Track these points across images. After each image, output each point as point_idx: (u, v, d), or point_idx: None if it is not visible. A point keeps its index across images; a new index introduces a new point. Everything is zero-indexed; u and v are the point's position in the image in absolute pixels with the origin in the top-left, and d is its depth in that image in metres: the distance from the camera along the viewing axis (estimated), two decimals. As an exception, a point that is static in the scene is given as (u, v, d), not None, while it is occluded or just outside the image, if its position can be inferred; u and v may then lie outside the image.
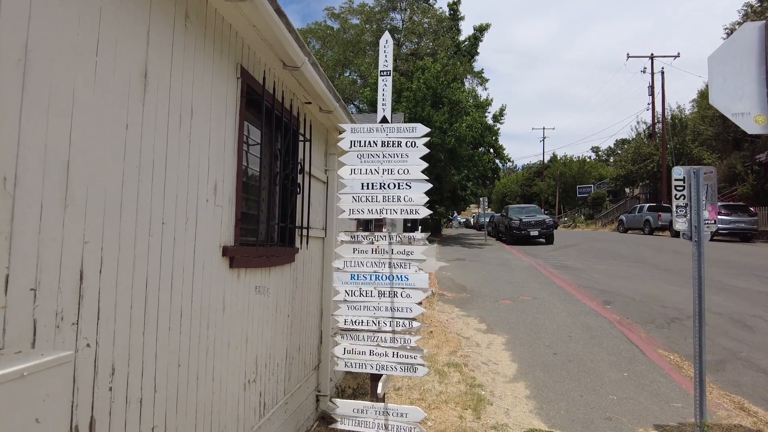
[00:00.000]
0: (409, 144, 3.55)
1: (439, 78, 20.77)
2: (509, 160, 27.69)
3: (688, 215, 3.98)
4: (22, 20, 1.37)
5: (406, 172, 3.52)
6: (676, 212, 4.02)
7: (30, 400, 1.16)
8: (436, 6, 28.04)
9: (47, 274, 1.44)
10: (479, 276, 12.72)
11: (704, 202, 3.96)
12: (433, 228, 29.71)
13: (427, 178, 3.52)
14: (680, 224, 4.02)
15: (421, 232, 3.45)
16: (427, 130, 3.56)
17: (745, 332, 7.06)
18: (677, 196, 4.04)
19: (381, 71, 3.65)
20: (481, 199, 28.43)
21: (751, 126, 3.66)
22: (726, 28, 30.36)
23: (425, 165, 3.52)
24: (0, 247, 1.29)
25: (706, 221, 3.95)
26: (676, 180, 4.07)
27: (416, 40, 27.78)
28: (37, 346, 1.41)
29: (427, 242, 3.53)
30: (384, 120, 3.63)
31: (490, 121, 24.65)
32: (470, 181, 26.03)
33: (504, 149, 25.98)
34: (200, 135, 2.37)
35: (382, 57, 3.67)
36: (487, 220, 30.92)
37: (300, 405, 4.03)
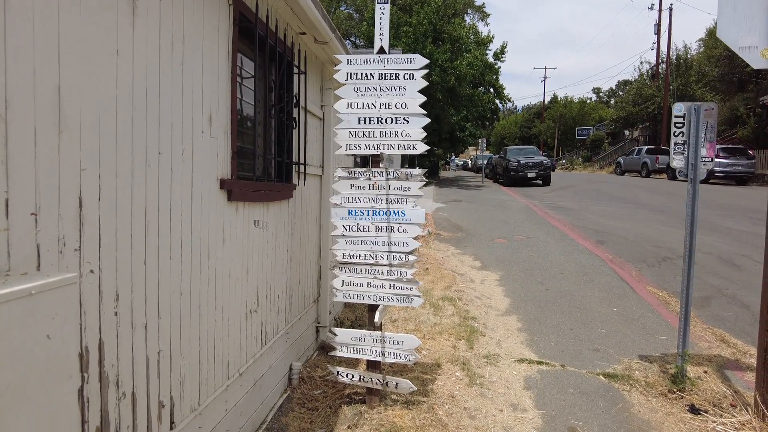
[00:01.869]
0: (407, 76, 3.47)
1: (440, 12, 19.95)
2: (509, 100, 27.20)
3: (686, 152, 3.97)
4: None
5: (403, 105, 3.47)
6: (674, 149, 4.01)
7: (39, 317, 1.20)
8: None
9: (47, 200, 1.45)
10: (475, 216, 12.84)
11: (703, 140, 3.94)
12: (430, 170, 29.62)
13: (425, 112, 3.47)
14: (677, 161, 4.01)
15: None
16: (426, 61, 3.46)
17: (732, 271, 7.24)
18: (676, 134, 4.01)
19: (379, -1, 3.50)
20: (479, 140, 28.16)
21: (757, 60, 3.57)
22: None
23: (423, 99, 3.45)
24: (-3, 171, 1.29)
25: (704, 159, 3.95)
26: (676, 117, 4.02)
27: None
28: (43, 270, 1.44)
29: (424, 178, 3.53)
30: (381, 51, 3.52)
31: (490, 59, 23.96)
32: (469, 121, 25.69)
33: (504, 89, 25.46)
34: (193, 64, 2.31)
35: (380, -17, 3.50)
36: (485, 162, 30.79)
37: (300, 335, 4.19)
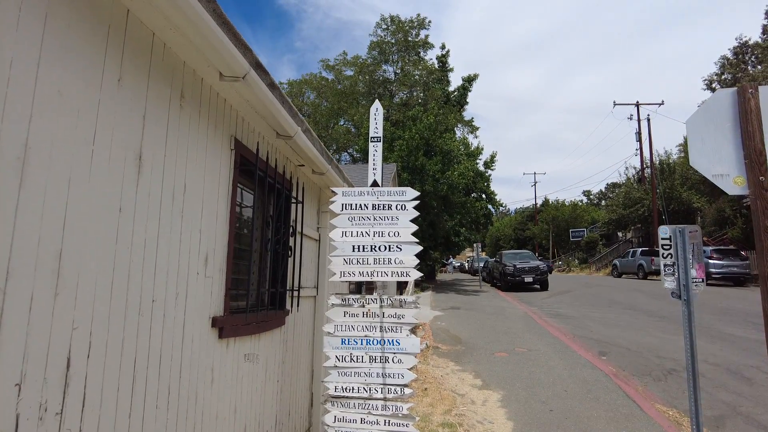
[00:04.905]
0: (399, 207, 3.61)
1: (431, 128, 21.28)
2: (501, 205, 28.00)
3: (677, 274, 4.02)
4: (23, 120, 1.43)
5: (396, 234, 3.57)
6: (665, 271, 4.07)
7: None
8: (427, 58, 29.11)
9: (33, 366, 1.44)
10: (474, 326, 12.59)
11: (691, 261, 4.02)
12: (427, 274, 29.59)
13: (417, 240, 3.57)
14: (669, 283, 4.06)
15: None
16: (417, 193, 3.63)
17: (743, 385, 6.97)
18: (664, 255, 4.10)
19: (371, 137, 3.76)
20: (474, 245, 28.51)
21: (731, 187, 3.77)
22: (705, 80, 31.59)
23: (415, 227, 3.57)
24: (-12, 344, 1.30)
25: (694, 280, 4.00)
26: (662, 239, 4.14)
27: (407, 90, 28.65)
28: (19, 445, 1.39)
29: (418, 306, 3.53)
30: (375, 184, 3.71)
31: (481, 168, 25.08)
32: (463, 226, 26.18)
33: (496, 195, 26.33)
34: (192, 209, 2.42)
35: (373, 124, 3.79)
36: (482, 265, 30.87)
37: (290, 473, 3.91)
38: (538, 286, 22.21)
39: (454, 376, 7.83)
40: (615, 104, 36.72)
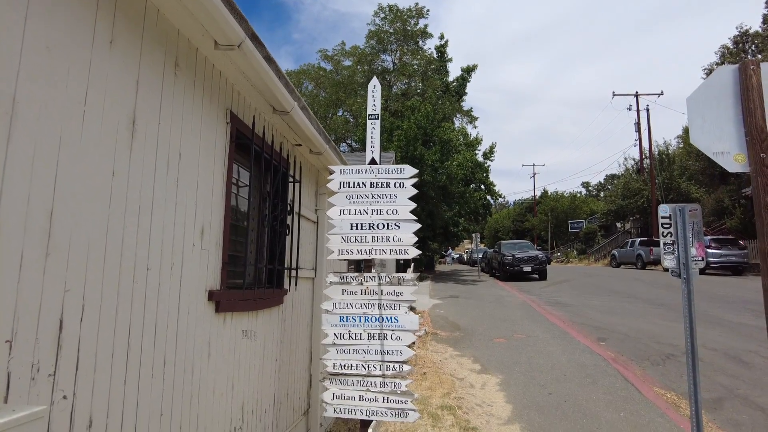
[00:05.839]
0: (397, 185, 3.59)
1: (430, 117, 21.19)
2: (500, 196, 27.95)
3: (676, 252, 4.00)
4: (10, 73, 1.39)
5: (394, 212, 3.55)
6: (664, 250, 4.05)
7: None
8: (425, 48, 28.91)
9: (25, 325, 1.42)
10: (473, 314, 12.60)
11: (691, 239, 3.99)
12: (426, 264, 29.61)
13: (415, 218, 3.54)
14: (668, 261, 4.04)
15: (415, 268, 3.46)
16: (415, 171, 3.61)
17: (741, 368, 6.98)
18: (664, 234, 4.08)
19: (369, 115, 3.73)
20: (473, 235, 28.51)
21: (731, 164, 3.74)
22: (705, 69, 31.42)
23: (413, 205, 3.55)
24: (-23, 299, 1.28)
25: (694, 258, 3.98)
26: (662, 218, 4.11)
27: (406, 80, 28.50)
28: (10, 400, 1.37)
29: (416, 283, 3.51)
30: (373, 161, 3.68)
31: (480, 159, 25.01)
32: (462, 217, 26.16)
33: (495, 186, 26.27)
34: (188, 180, 2.39)
35: (371, 101, 3.75)
36: (480, 255, 30.90)
37: (289, 453, 3.91)
38: (537, 276, 22.23)
39: (453, 361, 7.83)
40: (614, 94, 36.62)
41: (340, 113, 29.65)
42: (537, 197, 57.96)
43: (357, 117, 26.03)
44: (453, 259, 58.32)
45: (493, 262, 26.45)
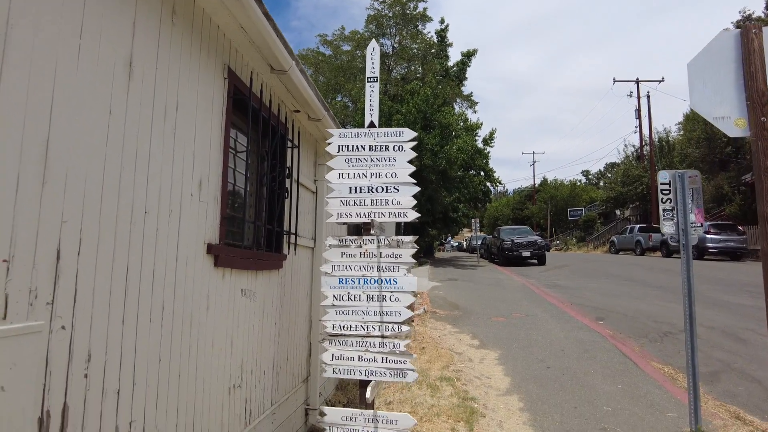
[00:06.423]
0: (396, 148, 3.57)
1: (429, 101, 21.07)
2: (500, 183, 27.87)
3: (675, 218, 4.00)
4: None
5: (393, 175, 3.53)
6: (663, 216, 4.05)
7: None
8: (425, 31, 28.65)
9: (22, 249, 1.41)
10: (472, 295, 12.65)
11: (690, 205, 3.99)
12: (425, 250, 29.64)
13: (414, 181, 3.53)
14: (667, 227, 4.04)
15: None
16: (414, 134, 3.58)
17: (738, 344, 7.03)
18: (663, 200, 4.07)
19: (368, 77, 3.69)
20: (473, 220, 28.52)
21: (731, 129, 3.73)
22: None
23: (413, 168, 3.53)
24: (-27, 217, 1.27)
25: (693, 224, 3.98)
26: (661, 184, 4.11)
27: (406, 64, 28.30)
28: (8, 321, 1.37)
29: (415, 245, 3.51)
30: (372, 125, 3.65)
31: (480, 145, 24.91)
32: (462, 203, 26.14)
33: (494, 172, 26.18)
34: (185, 130, 2.37)
35: (369, 64, 3.72)
36: (479, 242, 30.95)
37: (288, 417, 3.93)
38: (536, 261, 22.29)
39: (451, 337, 7.88)
40: (615, 81, 36.39)
41: (339, 98, 29.48)
42: (537, 185, 57.92)
43: (356, 102, 25.88)
44: (452, 246, 58.44)
45: (492, 247, 26.50)
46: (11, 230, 1.38)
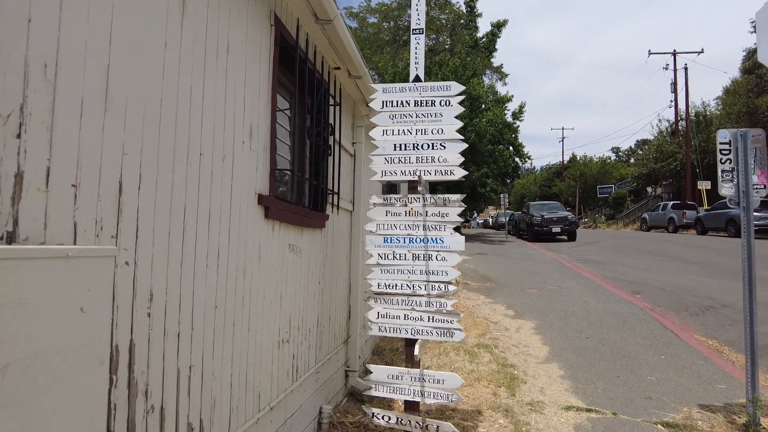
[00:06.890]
0: (443, 103, 3.43)
1: (458, 72, 20.61)
2: (529, 158, 27.27)
3: (735, 180, 3.78)
4: None
5: (440, 131, 3.41)
6: (722, 177, 3.83)
7: (75, 283, 1.08)
8: (454, 1, 27.89)
9: (87, 176, 1.36)
10: (503, 268, 12.51)
11: (753, 166, 3.76)
12: (451, 226, 29.39)
13: (462, 137, 3.40)
14: (726, 189, 3.82)
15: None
16: (462, 87, 3.44)
17: (786, 319, 6.75)
18: (722, 161, 3.85)
19: (413, 29, 3.55)
20: (501, 195, 28.11)
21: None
22: (752, 21, 29.59)
23: (460, 124, 3.40)
24: (41, 138, 1.22)
25: (756, 186, 3.75)
26: (721, 144, 3.88)
27: (434, 36, 27.68)
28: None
29: (463, 204, 3.40)
30: (417, 79, 3.52)
31: (509, 119, 24.37)
32: (490, 178, 25.76)
33: (523, 147, 25.64)
34: (236, 73, 2.29)
35: (414, 15, 3.57)
36: (507, 218, 30.56)
37: (330, 377, 3.93)
38: (566, 237, 21.90)
39: (486, 307, 7.80)
40: (650, 53, 34.90)
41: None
42: (565, 162, 56.64)
43: (383, 75, 25.51)
44: (478, 224, 57.98)
45: (520, 223, 26.14)
46: (77, 156, 1.33)
